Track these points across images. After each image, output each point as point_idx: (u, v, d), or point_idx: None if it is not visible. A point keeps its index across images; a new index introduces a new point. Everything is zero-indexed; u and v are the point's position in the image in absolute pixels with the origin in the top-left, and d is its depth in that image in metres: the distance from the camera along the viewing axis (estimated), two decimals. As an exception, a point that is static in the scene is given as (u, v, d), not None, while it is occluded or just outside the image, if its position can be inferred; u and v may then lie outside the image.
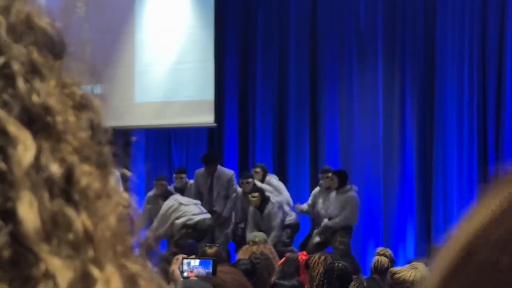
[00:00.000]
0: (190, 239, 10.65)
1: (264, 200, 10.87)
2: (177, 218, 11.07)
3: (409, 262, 7.76)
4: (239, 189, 11.45)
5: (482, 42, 12.02)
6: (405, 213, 12.05)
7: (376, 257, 7.25)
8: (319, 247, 10.74)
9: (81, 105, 0.63)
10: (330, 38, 12.88)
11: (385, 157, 12.34)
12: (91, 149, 0.62)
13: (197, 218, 11.04)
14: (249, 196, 10.96)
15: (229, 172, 11.58)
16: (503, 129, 11.73)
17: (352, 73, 12.76)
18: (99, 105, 0.65)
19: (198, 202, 11.34)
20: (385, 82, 12.51)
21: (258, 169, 11.76)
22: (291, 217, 11.19)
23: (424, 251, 10.99)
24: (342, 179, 10.96)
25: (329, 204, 11.03)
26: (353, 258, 10.74)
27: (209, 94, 12.70)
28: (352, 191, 10.98)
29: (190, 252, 8.13)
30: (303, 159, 12.86)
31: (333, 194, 10.98)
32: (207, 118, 12.69)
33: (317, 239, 10.99)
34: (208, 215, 11.20)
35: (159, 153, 13.73)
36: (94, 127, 0.63)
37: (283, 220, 10.97)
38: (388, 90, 12.47)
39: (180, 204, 11.13)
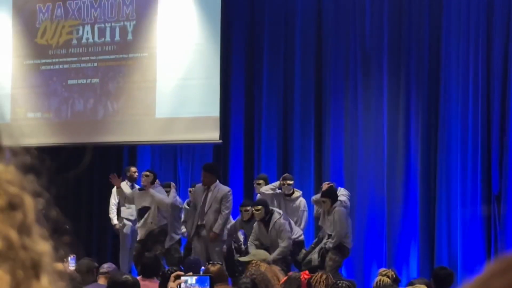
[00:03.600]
0: None
1: (268, 211, 10.73)
2: None
3: (409, 282, 7.80)
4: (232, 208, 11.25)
5: (487, 60, 12.01)
6: (409, 233, 12.03)
7: (378, 277, 7.27)
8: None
9: (12, 205, 0.63)
10: (335, 54, 12.91)
11: (389, 174, 12.31)
12: (14, 251, 0.62)
13: None
14: (253, 209, 10.84)
15: (226, 188, 11.36)
16: (508, 148, 11.70)
17: (357, 90, 12.77)
18: (31, 205, 0.65)
19: None
20: (390, 98, 12.50)
21: (260, 181, 11.64)
22: (298, 234, 11.00)
23: (427, 271, 10.98)
24: (333, 199, 10.73)
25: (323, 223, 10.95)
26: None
27: (215, 110, 12.72)
28: (338, 207, 10.68)
29: (194, 269, 8.18)
30: (307, 175, 12.88)
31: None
32: (212, 134, 12.71)
33: (315, 257, 10.73)
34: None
35: (165, 168, 13.76)
36: (23, 228, 0.63)
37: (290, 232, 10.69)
38: (393, 107, 12.46)
39: None
